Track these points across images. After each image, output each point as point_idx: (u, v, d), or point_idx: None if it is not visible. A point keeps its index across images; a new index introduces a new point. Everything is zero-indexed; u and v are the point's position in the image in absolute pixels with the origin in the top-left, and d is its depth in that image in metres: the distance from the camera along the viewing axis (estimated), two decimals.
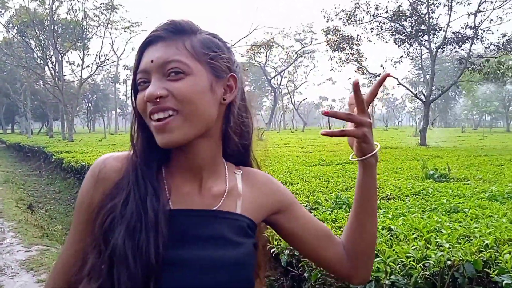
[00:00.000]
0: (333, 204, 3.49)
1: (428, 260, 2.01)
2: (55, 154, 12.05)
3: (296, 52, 52.54)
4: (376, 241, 0.95)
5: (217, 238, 0.80)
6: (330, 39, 20.31)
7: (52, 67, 29.74)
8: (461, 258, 2.03)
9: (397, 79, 18.36)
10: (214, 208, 0.82)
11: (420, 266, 1.96)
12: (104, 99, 69.43)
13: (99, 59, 30.67)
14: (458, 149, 13.19)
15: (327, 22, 19.77)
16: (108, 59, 34.24)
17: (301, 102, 67.80)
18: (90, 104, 67.15)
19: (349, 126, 0.85)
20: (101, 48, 45.37)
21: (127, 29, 32.12)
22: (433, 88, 18.05)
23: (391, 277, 1.98)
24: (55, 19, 28.70)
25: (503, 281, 1.84)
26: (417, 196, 3.93)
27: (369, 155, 0.87)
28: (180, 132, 0.76)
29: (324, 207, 3.38)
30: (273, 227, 0.95)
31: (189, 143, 0.79)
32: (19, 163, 17.61)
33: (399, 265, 2.03)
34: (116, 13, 30.40)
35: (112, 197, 0.78)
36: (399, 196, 3.93)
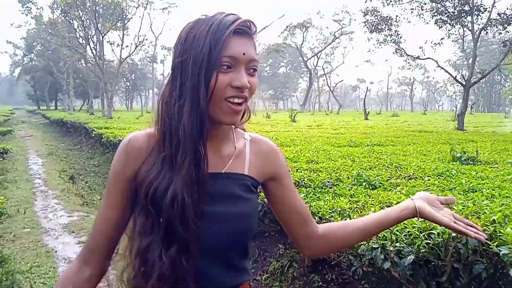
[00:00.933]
0: (354, 181, 3.63)
1: (432, 231, 2.13)
2: (95, 130, 12.64)
3: (333, 33, 51.64)
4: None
5: (229, 196, 0.98)
6: (368, 20, 19.92)
7: (93, 47, 30.70)
8: None
9: (436, 61, 17.86)
10: (224, 170, 0.99)
11: (423, 235, 2.09)
12: (142, 78, 70.98)
13: (138, 39, 31.33)
14: (496, 134, 12.83)
15: (365, 2, 19.39)
16: (146, 39, 34.92)
17: (337, 84, 66.79)
18: (128, 83, 68.83)
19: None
20: (140, 28, 46.24)
21: (165, 9, 32.49)
22: (475, 71, 17.47)
23: (396, 244, 2.13)
24: (96, 0, 29.45)
25: (501, 251, 1.95)
26: (439, 176, 3.98)
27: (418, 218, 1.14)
28: (240, 116, 0.96)
29: (344, 184, 3.52)
30: (265, 191, 1.11)
31: None
32: (61, 137, 18.51)
33: (404, 234, 2.17)
34: None
35: (148, 168, 0.93)
36: (421, 176, 4.01)
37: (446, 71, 19.62)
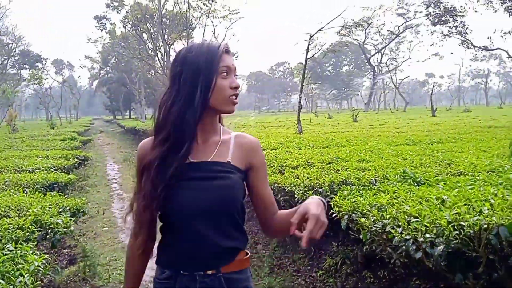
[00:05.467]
0: (399, 178, 3.72)
1: (462, 222, 2.24)
2: None
3: (398, 27, 49.99)
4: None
5: (212, 176, 1.32)
6: (430, 12, 19.24)
7: (161, 57, 32.33)
8: (496, 222, 2.22)
9: (506, 51, 16.85)
10: (210, 159, 1.34)
11: (451, 227, 2.21)
12: None
13: None
14: None
15: None
16: None
17: (403, 80, 64.46)
18: None
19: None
20: (203, 36, 47.66)
21: (226, 17, 33.45)
22: None
23: (427, 235, 2.27)
24: (163, 12, 31.03)
25: None
26: (491, 172, 3.93)
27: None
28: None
29: (390, 181, 3.64)
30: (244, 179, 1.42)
31: None
32: (135, 144, 19.73)
33: (435, 226, 2.30)
34: (216, 2, 31.87)
35: (148, 161, 1.32)
36: (472, 173, 3.97)
37: None
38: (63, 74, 72.96)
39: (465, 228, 2.21)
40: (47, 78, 58.79)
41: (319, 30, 12.25)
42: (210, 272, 1.31)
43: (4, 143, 11.52)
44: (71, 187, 7.12)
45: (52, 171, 6.07)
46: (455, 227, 2.23)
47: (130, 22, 34.61)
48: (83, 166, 9.53)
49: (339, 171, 4.33)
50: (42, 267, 2.53)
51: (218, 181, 1.31)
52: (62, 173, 6.00)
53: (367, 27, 47.21)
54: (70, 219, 3.56)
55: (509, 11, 17.52)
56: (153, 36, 32.67)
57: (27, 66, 50.99)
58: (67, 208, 3.90)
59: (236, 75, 1.36)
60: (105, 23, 40.33)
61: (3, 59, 44.19)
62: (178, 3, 30.56)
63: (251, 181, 1.41)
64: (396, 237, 2.42)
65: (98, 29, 40.51)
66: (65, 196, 4.49)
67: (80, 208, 4.04)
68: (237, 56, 38.22)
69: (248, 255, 1.41)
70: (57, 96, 57.85)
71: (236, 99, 1.33)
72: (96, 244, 5.22)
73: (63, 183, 5.40)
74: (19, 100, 65.84)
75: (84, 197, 5.53)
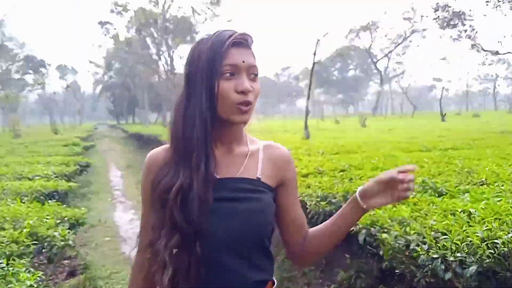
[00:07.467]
0: (419, 188, 3.51)
1: (497, 240, 2.03)
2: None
3: (404, 32, 49.84)
4: (331, 249, 1.21)
5: (240, 196, 1.07)
6: (439, 16, 19.03)
7: (165, 62, 32.32)
8: None
9: None
10: (238, 175, 1.10)
11: (485, 245, 2.00)
12: None
13: None
14: None
15: None
16: None
17: (410, 84, 64.21)
18: None
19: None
20: None
21: (230, 21, 33.41)
22: None
23: (457, 254, 2.05)
24: (167, 17, 31.03)
25: None
26: None
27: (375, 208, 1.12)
28: (250, 115, 1.07)
29: None
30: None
31: None
32: (138, 150, 19.62)
33: (466, 244, 2.08)
34: (219, 6, 31.82)
35: (160, 171, 1.08)
36: (495, 182, 3.77)
37: None
38: (66, 79, 73.14)
39: (499, 246, 2.02)
40: (50, 83, 59.06)
41: (326, 34, 12.06)
42: None
43: (6, 149, 11.39)
44: (73, 195, 6.93)
45: (52, 179, 5.90)
46: (488, 245, 2.03)
47: (134, 27, 34.69)
48: (85, 172, 9.35)
49: (352, 179, 4.11)
50: (35, 286, 2.34)
51: (248, 204, 1.07)
52: (63, 181, 5.84)
53: (374, 31, 47.03)
54: (69, 232, 3.37)
55: None
56: (156, 41, 32.64)
57: (31, 71, 51.23)
58: (66, 219, 3.73)
59: (255, 75, 1.07)
60: (109, 29, 40.44)
61: (7, 64, 44.38)
62: (182, 8, 30.57)
63: (281, 200, 1.18)
64: (422, 255, 2.21)
65: (102, 34, 40.63)
66: (65, 205, 4.30)
67: (79, 219, 3.86)
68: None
69: (275, 285, 1.19)
70: (61, 101, 57.98)
71: (245, 106, 1.04)
72: (97, 255, 5.01)
73: (63, 191, 5.22)
74: (23, 105, 66.04)
75: (85, 206, 5.38)
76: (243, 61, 1.04)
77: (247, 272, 1.08)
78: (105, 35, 40.86)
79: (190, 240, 1.01)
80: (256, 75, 1.08)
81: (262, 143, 1.19)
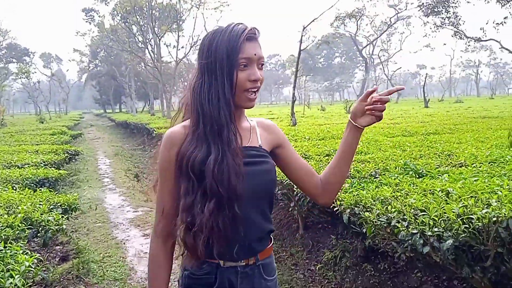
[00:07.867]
0: (400, 170, 3.66)
1: (472, 215, 2.17)
2: (156, 130, 13.28)
3: (389, 19, 49.98)
4: (345, 178, 1.44)
5: (254, 160, 1.32)
6: (423, 3, 19.17)
7: (151, 50, 31.96)
8: (505, 215, 2.16)
9: (499, 42, 16.86)
10: (248, 144, 1.34)
11: (461, 220, 2.14)
12: None
13: (193, 39, 32.20)
14: None
15: None
16: (200, 39, 35.63)
17: (395, 71, 64.56)
18: (185, 83, 70.63)
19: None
20: (194, 29, 47.40)
21: (217, 9, 33.11)
22: None
23: (435, 229, 2.19)
24: (152, 4, 30.61)
25: None
26: (492, 163, 3.88)
27: (369, 125, 1.35)
28: (255, 102, 1.32)
29: (391, 173, 3.56)
30: (274, 158, 1.43)
31: None
32: (126, 138, 19.59)
33: (443, 219, 2.22)
34: None
35: (187, 146, 1.25)
36: (473, 164, 3.93)
37: (510, 51, 18.42)
38: (51, 67, 71.91)
39: (474, 221, 2.15)
40: (35, 72, 58.00)
41: (312, 21, 12.12)
42: (251, 262, 1.33)
43: None
44: (62, 183, 6.98)
45: (42, 167, 5.92)
46: (464, 220, 2.17)
47: (119, 15, 34.15)
48: (73, 160, 9.36)
49: None
50: (33, 267, 2.43)
51: (260, 166, 1.33)
52: (53, 169, 5.87)
53: (359, 18, 46.99)
54: (62, 216, 3.45)
55: (500, 1, 17.54)
56: (142, 29, 32.23)
57: (14, 60, 50.26)
58: (58, 204, 3.80)
59: (263, 64, 1.29)
60: (94, 16, 39.78)
61: None
62: None
63: (284, 158, 1.44)
64: (402, 231, 2.35)
65: (86, 22, 39.95)
66: (56, 192, 4.36)
67: (71, 205, 3.93)
68: None
69: (272, 240, 1.44)
70: (46, 90, 57.03)
71: (253, 94, 1.28)
72: (89, 241, 5.09)
73: (53, 179, 5.27)
74: (7, 95, 64.87)
75: (75, 193, 5.44)
76: (255, 54, 1.25)
77: (264, 223, 1.34)
78: (90, 22, 40.24)
79: (224, 203, 1.21)
80: (263, 64, 1.29)
81: (256, 120, 1.46)
